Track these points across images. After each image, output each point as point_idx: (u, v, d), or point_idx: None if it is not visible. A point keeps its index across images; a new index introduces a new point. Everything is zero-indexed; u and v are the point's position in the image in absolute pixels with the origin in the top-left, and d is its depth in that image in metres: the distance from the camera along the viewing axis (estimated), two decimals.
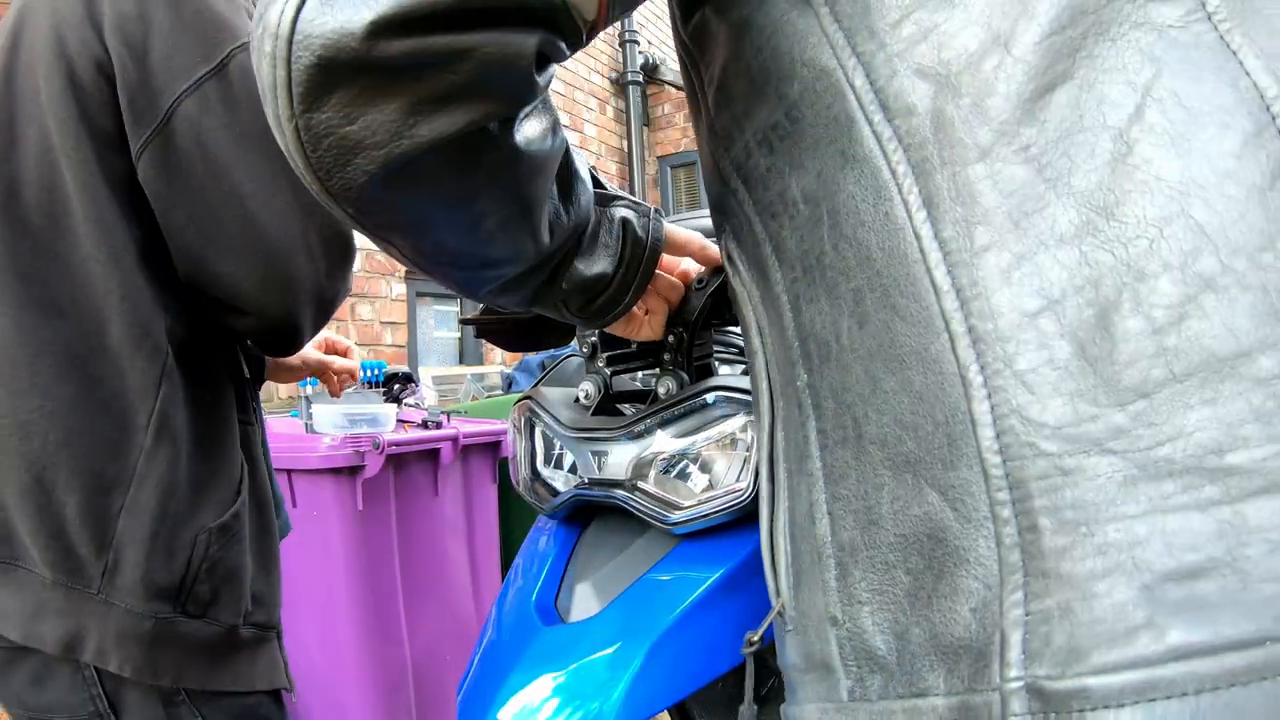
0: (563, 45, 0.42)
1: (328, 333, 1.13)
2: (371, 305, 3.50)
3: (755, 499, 0.63)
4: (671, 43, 0.57)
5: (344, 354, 1.18)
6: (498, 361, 4.15)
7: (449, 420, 1.91)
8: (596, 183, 0.64)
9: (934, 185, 0.37)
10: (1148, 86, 0.35)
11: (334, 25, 0.34)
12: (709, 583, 0.73)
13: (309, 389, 1.87)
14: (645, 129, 5.50)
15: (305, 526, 1.60)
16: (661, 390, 0.82)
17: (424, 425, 1.86)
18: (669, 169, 5.59)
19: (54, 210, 0.71)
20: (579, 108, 4.94)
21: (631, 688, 0.68)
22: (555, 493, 0.88)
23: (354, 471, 1.60)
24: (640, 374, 0.98)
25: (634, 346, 0.89)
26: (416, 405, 2.15)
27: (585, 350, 0.91)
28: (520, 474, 0.93)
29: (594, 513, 0.88)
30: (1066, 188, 0.35)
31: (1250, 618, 0.29)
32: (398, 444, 1.65)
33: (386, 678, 1.67)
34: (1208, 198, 0.33)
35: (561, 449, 0.89)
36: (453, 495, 1.88)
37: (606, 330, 0.73)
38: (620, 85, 5.35)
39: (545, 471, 0.90)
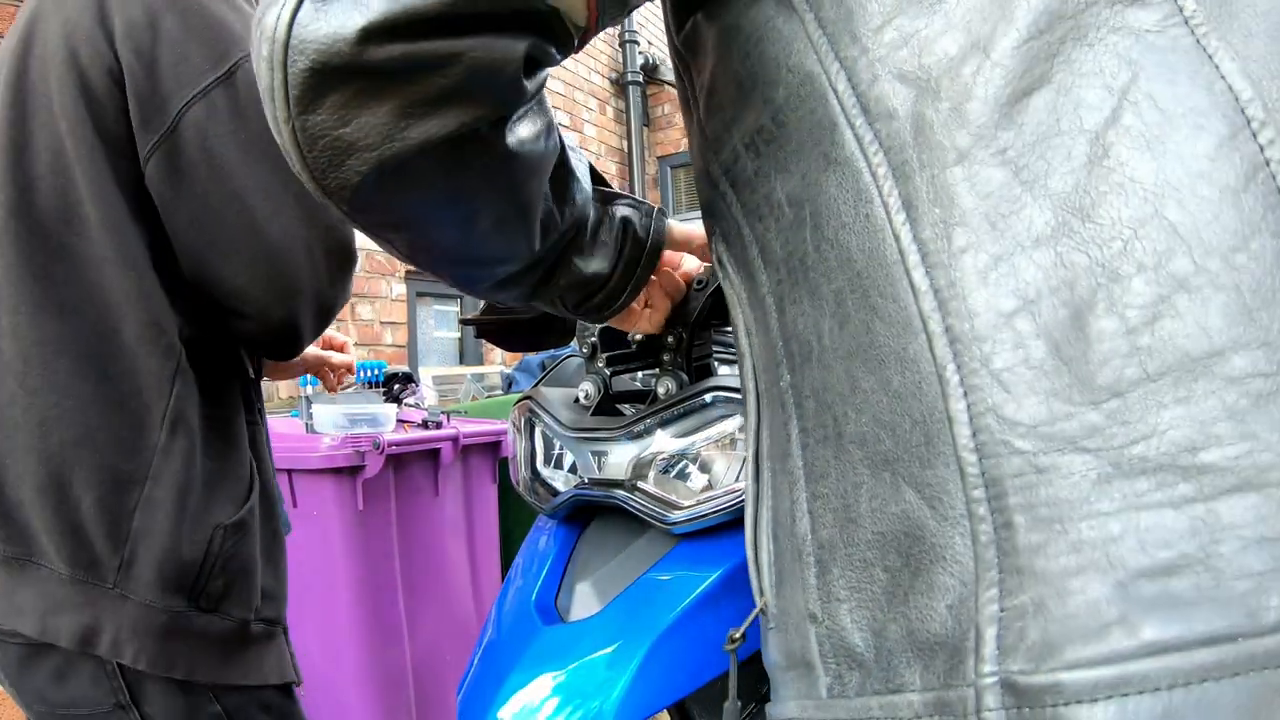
0: (553, 50, 0.42)
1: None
2: (371, 305, 3.50)
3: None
4: None
5: (340, 349, 1.19)
6: (498, 361, 4.15)
7: (449, 420, 1.91)
8: (599, 180, 0.64)
9: (913, 187, 0.38)
10: (1124, 90, 0.35)
11: (327, 31, 0.35)
12: (708, 582, 0.73)
13: (309, 389, 1.87)
14: (645, 129, 5.50)
15: (305, 526, 1.60)
16: (661, 390, 0.83)
17: (424, 425, 1.86)
18: (669, 169, 5.59)
19: (67, 213, 0.72)
20: (579, 108, 4.94)
21: (631, 687, 0.68)
22: (555, 493, 0.88)
23: (354, 471, 1.60)
24: (640, 374, 0.99)
25: (634, 347, 0.89)
26: (416, 405, 2.15)
27: (585, 350, 0.91)
28: (520, 474, 0.93)
29: (594, 513, 0.88)
30: (1043, 190, 0.35)
31: (1223, 614, 0.30)
32: (398, 444, 1.65)
33: (386, 678, 1.67)
34: (1182, 199, 0.34)
35: (561, 449, 0.89)
36: (453, 495, 1.88)
37: (606, 323, 0.74)
38: (620, 85, 5.35)
39: (545, 471, 0.91)
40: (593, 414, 0.86)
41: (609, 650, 0.71)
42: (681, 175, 5.57)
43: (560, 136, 0.51)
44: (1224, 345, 0.32)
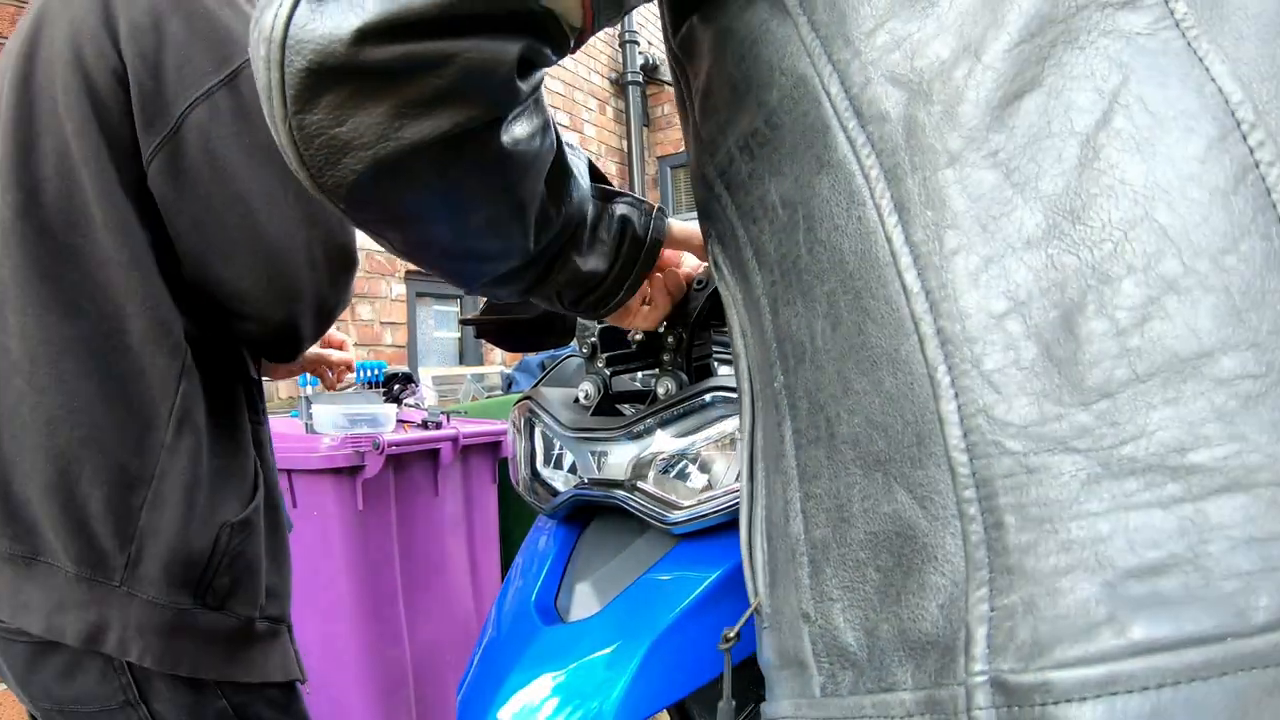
0: (549, 51, 0.43)
1: None
2: (371, 305, 3.50)
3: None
4: None
5: (339, 347, 1.19)
6: (498, 361, 4.15)
7: (449, 420, 1.91)
8: (599, 177, 0.64)
9: (905, 190, 0.38)
10: (1115, 93, 0.35)
11: (323, 31, 0.36)
12: (708, 583, 0.73)
13: (309, 389, 1.87)
14: (645, 129, 5.50)
15: (305, 526, 1.60)
16: (661, 390, 0.83)
17: (424, 425, 1.86)
18: (669, 169, 5.59)
19: (73, 215, 0.73)
20: (579, 108, 4.94)
21: (631, 687, 0.68)
22: (555, 493, 0.88)
23: (354, 471, 1.60)
24: (640, 374, 0.99)
25: (634, 347, 0.89)
26: (416, 405, 2.15)
27: (585, 350, 0.91)
28: (520, 474, 0.93)
29: (594, 513, 0.88)
30: (1034, 192, 0.36)
31: (1211, 614, 0.30)
32: (398, 444, 1.65)
33: (386, 678, 1.67)
34: (1171, 201, 0.34)
35: (561, 449, 0.89)
36: (453, 495, 1.88)
37: (604, 320, 0.74)
38: (620, 85, 5.34)
39: (545, 471, 0.91)
40: (593, 414, 0.86)
41: (609, 650, 0.71)
42: (681, 175, 5.57)
43: (557, 135, 0.51)
44: (1213, 346, 0.32)
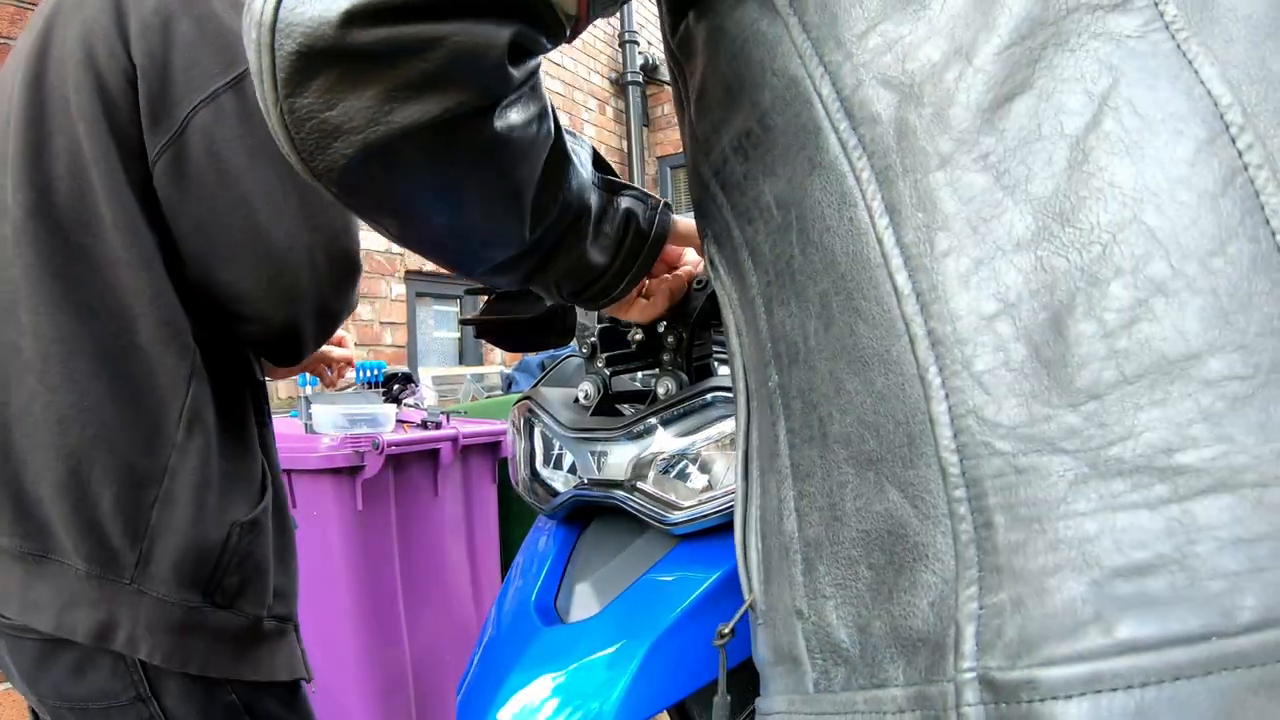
0: (542, 39, 0.43)
1: None
2: (371, 305, 3.50)
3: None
4: None
5: (340, 344, 1.19)
6: (498, 361, 4.15)
7: (449, 420, 1.91)
8: (606, 168, 0.64)
9: (896, 192, 0.38)
10: (1105, 95, 0.36)
11: (311, 14, 0.36)
12: (708, 583, 0.73)
13: (308, 389, 1.87)
14: (645, 129, 5.50)
15: (305, 527, 1.60)
16: (661, 390, 0.83)
17: (424, 425, 1.86)
18: (669, 169, 5.59)
19: (84, 214, 0.73)
20: (579, 108, 4.94)
21: (631, 688, 0.68)
22: (555, 493, 0.88)
23: (354, 472, 1.60)
24: (640, 374, 0.99)
25: (634, 347, 0.89)
26: (416, 405, 2.15)
27: (585, 350, 0.91)
28: (520, 474, 0.93)
29: (594, 513, 0.88)
30: (1024, 195, 0.36)
31: (1197, 614, 0.30)
32: (397, 444, 1.65)
33: (386, 678, 1.67)
34: (1160, 204, 0.34)
35: (561, 449, 0.89)
36: (453, 495, 1.88)
37: (601, 310, 0.74)
38: (620, 85, 5.35)
39: (545, 472, 0.90)
40: (592, 414, 0.86)
41: (608, 651, 0.71)
42: (681, 175, 5.57)
43: (557, 123, 0.51)
44: (1200, 348, 0.32)
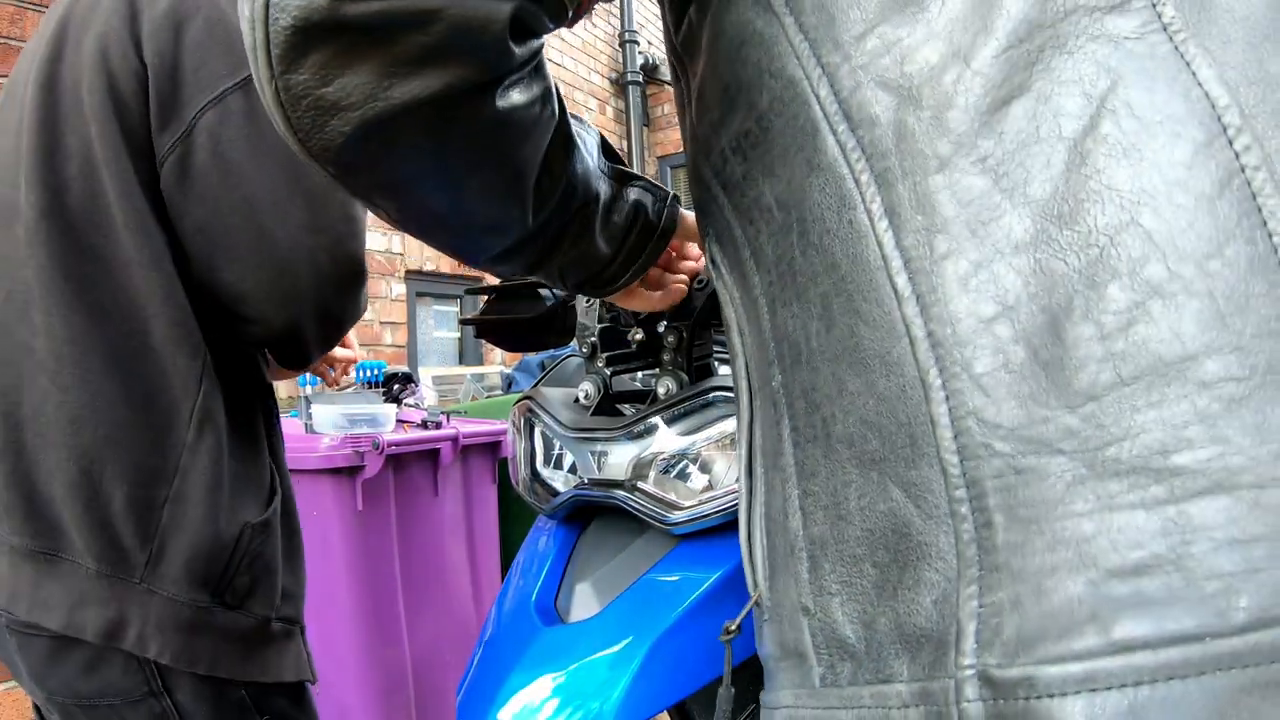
0: (544, 17, 0.42)
1: None
2: (372, 305, 3.50)
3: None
4: None
5: (343, 344, 1.19)
6: (498, 361, 4.15)
7: (449, 420, 1.91)
8: (614, 157, 0.64)
9: (896, 195, 0.38)
10: (1103, 98, 0.36)
11: None
12: (708, 583, 0.73)
13: (309, 389, 1.87)
14: (645, 129, 5.50)
15: (305, 526, 1.59)
16: (661, 390, 0.83)
17: (424, 425, 1.86)
18: (669, 169, 5.59)
19: (96, 215, 0.73)
20: (579, 108, 4.94)
21: (631, 688, 0.68)
22: (555, 493, 0.88)
23: (353, 472, 1.60)
24: (640, 374, 0.99)
25: (634, 347, 0.89)
26: (416, 405, 2.15)
27: (585, 350, 0.91)
28: (520, 474, 0.93)
29: (594, 513, 0.88)
30: (1022, 197, 0.36)
31: (1192, 614, 0.30)
32: (397, 444, 1.65)
33: (386, 678, 1.67)
34: (1157, 206, 0.34)
35: (561, 449, 0.89)
36: (453, 495, 1.88)
37: (604, 298, 0.73)
38: (620, 85, 5.34)
39: (545, 471, 0.90)
40: (593, 414, 0.86)
41: (609, 651, 0.71)
42: (681, 175, 5.57)
43: (561, 106, 0.50)
44: (1196, 350, 0.33)
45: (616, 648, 0.71)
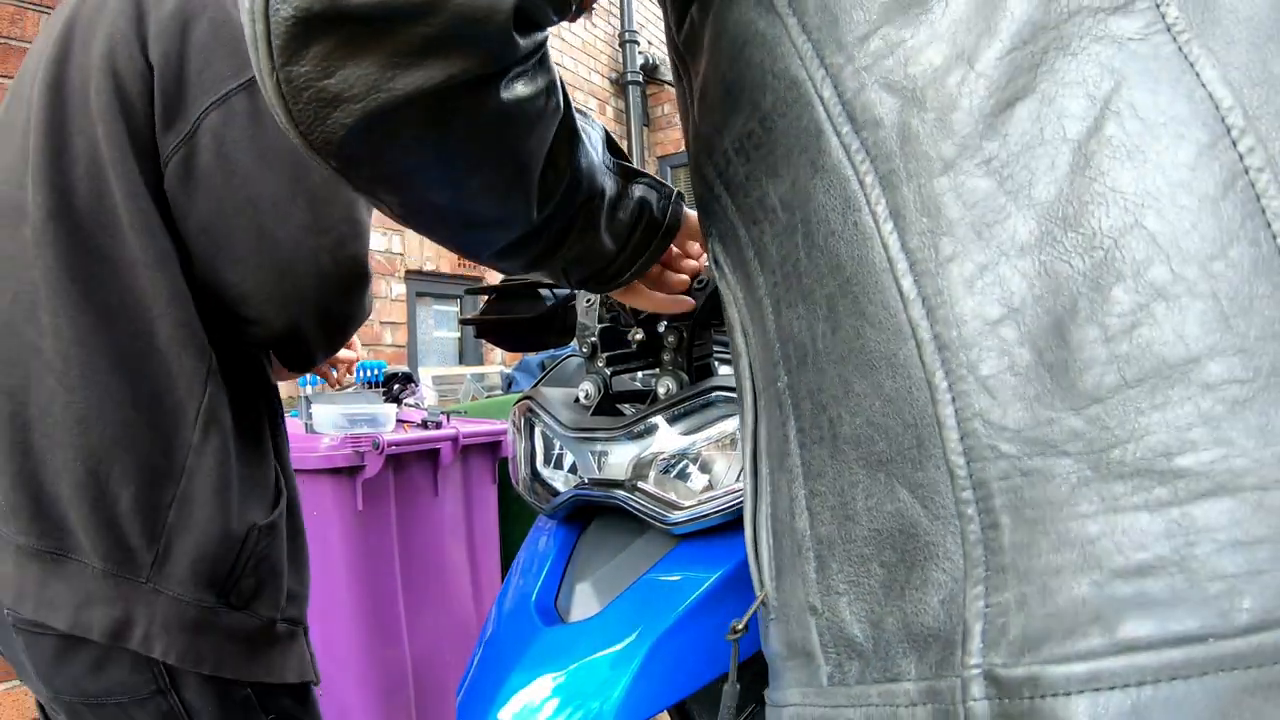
0: (548, 9, 0.42)
1: None
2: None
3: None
4: None
5: (347, 345, 1.19)
6: (498, 361, 4.15)
7: (449, 420, 1.91)
8: (619, 152, 0.63)
9: (901, 197, 0.38)
10: (1107, 99, 0.36)
11: None
12: (709, 583, 0.73)
13: (309, 389, 1.87)
14: (645, 129, 5.50)
15: (305, 526, 1.59)
16: (661, 390, 0.83)
17: (424, 425, 1.86)
18: (669, 169, 5.59)
19: (103, 217, 0.74)
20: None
21: (631, 687, 0.68)
22: (555, 493, 0.88)
23: (354, 471, 1.60)
24: (640, 374, 0.99)
25: (634, 347, 0.89)
26: (416, 405, 2.15)
27: (585, 350, 0.91)
28: (520, 474, 0.93)
29: (594, 513, 0.88)
30: (1027, 199, 0.36)
31: (1195, 615, 0.30)
32: (397, 444, 1.65)
33: (386, 678, 1.67)
34: (1161, 209, 0.34)
35: (561, 449, 0.89)
36: (453, 495, 1.88)
37: (605, 293, 0.73)
38: (620, 85, 5.34)
39: (545, 471, 0.90)
40: (593, 414, 0.86)
41: (609, 651, 0.71)
42: (681, 175, 5.57)
43: (566, 99, 0.50)
44: (1200, 352, 0.33)
45: (617, 647, 0.71)
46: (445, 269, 3.85)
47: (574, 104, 0.52)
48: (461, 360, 4.16)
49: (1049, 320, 0.35)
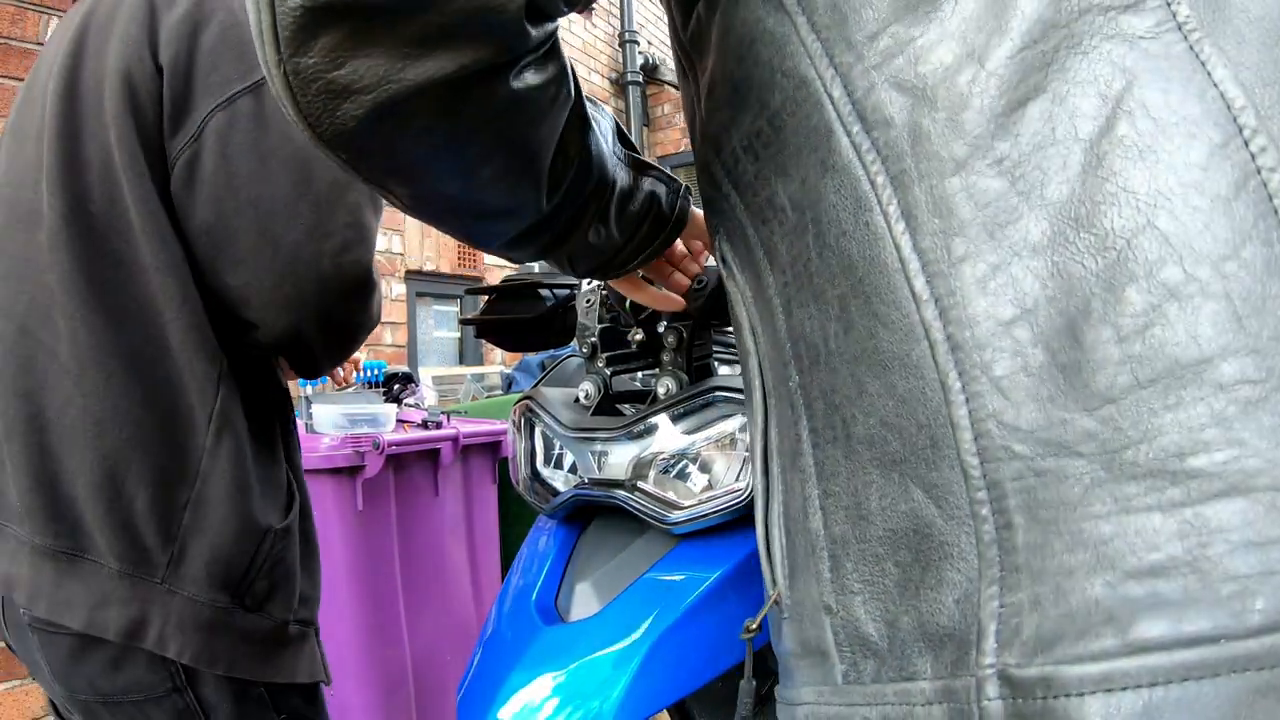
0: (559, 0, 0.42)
1: None
2: None
3: (753, 498, 0.63)
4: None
5: None
6: (498, 361, 4.15)
7: (449, 420, 1.91)
8: (628, 144, 0.63)
9: (912, 198, 0.38)
10: (1119, 98, 0.35)
11: None
12: (708, 583, 0.73)
13: (309, 389, 1.87)
14: (645, 129, 5.50)
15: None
16: (661, 390, 0.83)
17: (424, 425, 1.86)
18: (669, 169, 5.59)
19: (116, 220, 0.74)
20: None
21: (631, 687, 0.68)
22: (555, 493, 0.88)
23: (354, 471, 1.60)
24: (640, 374, 0.99)
25: (634, 347, 0.89)
26: (416, 405, 2.15)
27: (585, 350, 0.91)
28: (520, 474, 0.93)
29: (594, 513, 0.88)
30: (1039, 199, 0.36)
31: (1208, 615, 0.30)
32: (398, 444, 1.65)
33: (386, 678, 1.67)
34: (1173, 209, 0.34)
35: (561, 449, 0.89)
36: (453, 495, 1.88)
37: (609, 283, 0.73)
38: (620, 85, 5.34)
39: (545, 471, 0.91)
40: (593, 414, 0.86)
41: (609, 650, 0.71)
42: (682, 175, 5.55)
43: (577, 86, 0.49)
44: (1213, 353, 0.32)
45: (617, 647, 0.71)
46: (445, 269, 3.85)
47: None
48: (461, 360, 4.16)
49: (1062, 321, 0.35)
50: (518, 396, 0.98)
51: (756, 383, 0.50)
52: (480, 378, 3.44)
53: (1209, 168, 0.34)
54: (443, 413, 1.95)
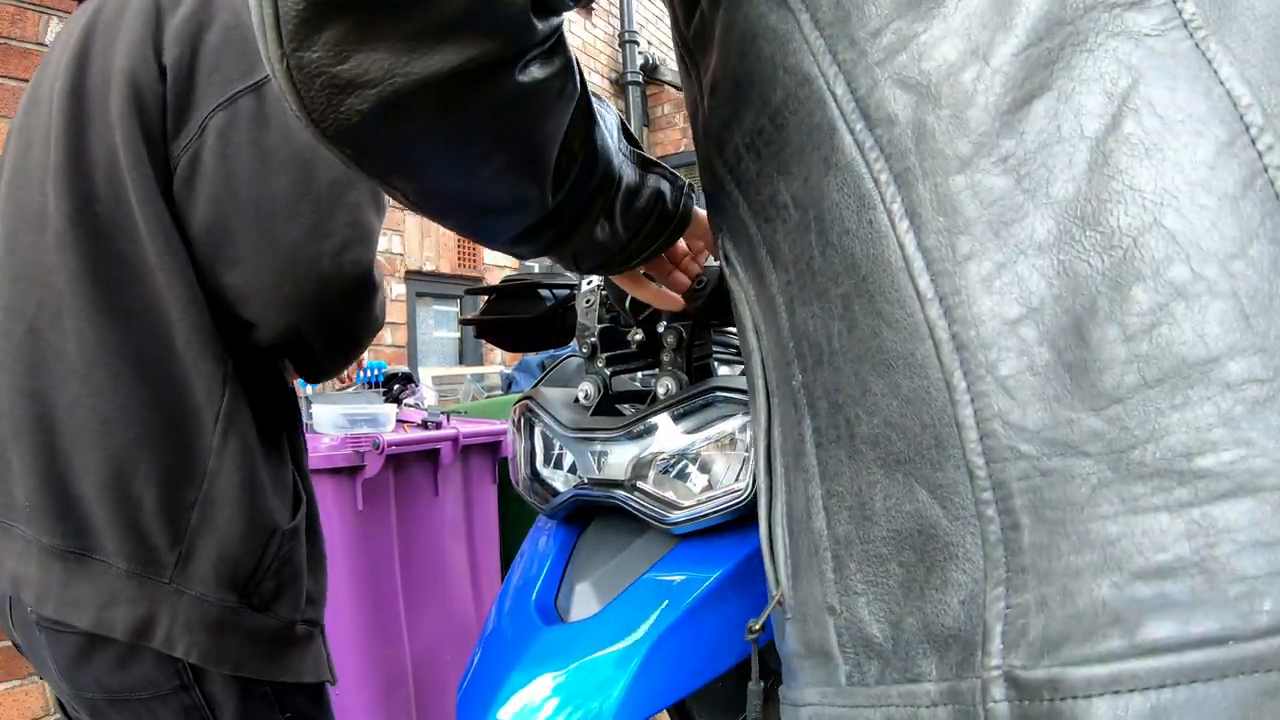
0: None
1: None
2: None
3: (754, 498, 0.64)
4: (671, 43, 0.58)
5: None
6: (498, 361, 4.15)
7: (449, 420, 1.91)
8: (632, 140, 0.63)
9: (916, 196, 0.38)
10: (1125, 96, 0.35)
11: None
12: (708, 583, 0.73)
13: (309, 389, 1.87)
14: (645, 129, 5.50)
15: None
16: (661, 390, 0.83)
17: (424, 425, 1.86)
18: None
19: (122, 221, 0.75)
20: None
21: (631, 687, 0.68)
22: (555, 493, 0.88)
23: (354, 471, 1.60)
24: (640, 374, 0.99)
25: (634, 347, 0.89)
26: (416, 405, 2.15)
27: (585, 350, 0.91)
28: (520, 474, 0.93)
29: (594, 513, 0.88)
30: (1045, 198, 0.35)
31: (1216, 616, 0.30)
32: (398, 444, 1.65)
33: (386, 678, 1.67)
34: (1180, 207, 0.34)
35: (561, 449, 0.89)
36: (453, 495, 1.88)
37: (610, 278, 0.73)
38: (620, 85, 5.34)
39: (545, 471, 0.91)
40: (593, 414, 0.86)
41: (609, 650, 0.71)
42: (681, 175, 5.56)
43: (582, 81, 0.49)
44: (1220, 352, 0.32)
45: (616, 647, 0.71)
46: (445, 269, 3.85)
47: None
48: (461, 360, 4.16)
49: (1068, 320, 0.34)
50: (517, 396, 0.98)
51: (759, 382, 0.50)
52: (480, 378, 3.44)
53: (1216, 166, 0.34)
54: (443, 413, 1.95)
